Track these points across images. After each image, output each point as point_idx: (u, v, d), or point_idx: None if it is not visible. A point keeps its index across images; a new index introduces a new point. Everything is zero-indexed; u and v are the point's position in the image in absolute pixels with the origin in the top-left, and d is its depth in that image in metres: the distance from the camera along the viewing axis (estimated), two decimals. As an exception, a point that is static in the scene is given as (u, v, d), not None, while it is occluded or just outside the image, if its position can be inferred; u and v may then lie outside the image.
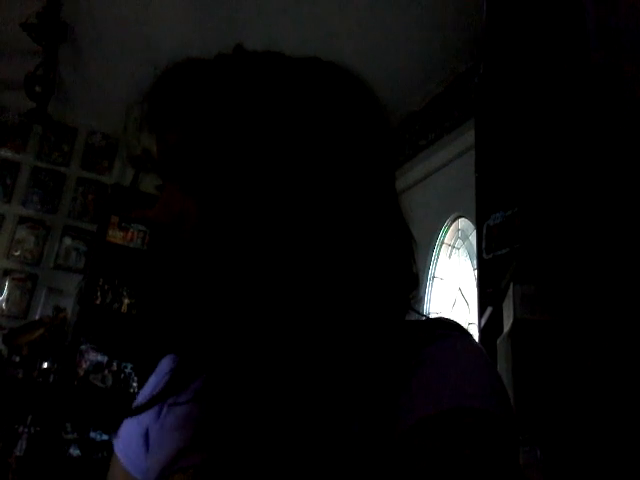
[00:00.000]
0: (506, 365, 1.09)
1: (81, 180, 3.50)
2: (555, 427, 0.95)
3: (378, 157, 0.48)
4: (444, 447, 0.36)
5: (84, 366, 2.82)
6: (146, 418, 0.54)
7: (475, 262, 2.21)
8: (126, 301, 2.93)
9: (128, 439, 0.56)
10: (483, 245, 1.49)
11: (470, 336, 0.45)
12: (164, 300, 0.47)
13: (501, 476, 0.36)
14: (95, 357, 2.86)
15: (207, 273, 0.44)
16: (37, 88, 2.70)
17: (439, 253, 2.63)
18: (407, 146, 2.79)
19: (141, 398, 0.52)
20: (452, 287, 2.54)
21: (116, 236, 2.95)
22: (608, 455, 0.88)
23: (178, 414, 0.50)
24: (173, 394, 0.49)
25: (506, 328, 1.15)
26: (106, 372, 2.85)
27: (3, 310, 3.19)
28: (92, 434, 2.75)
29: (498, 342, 1.22)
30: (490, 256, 1.45)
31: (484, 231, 1.49)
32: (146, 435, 0.55)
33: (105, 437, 2.74)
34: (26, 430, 2.63)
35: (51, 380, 2.80)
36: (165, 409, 0.53)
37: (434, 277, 2.63)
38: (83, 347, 2.84)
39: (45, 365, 2.83)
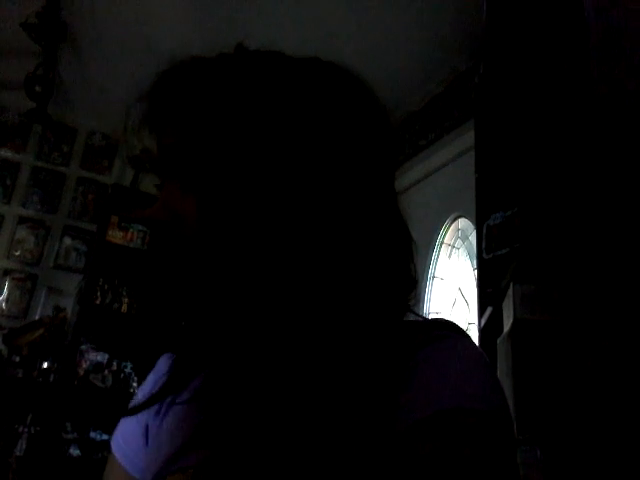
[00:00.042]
0: (506, 365, 1.09)
1: (81, 180, 3.50)
2: (555, 427, 0.95)
3: (378, 157, 0.48)
4: (444, 447, 0.36)
5: (84, 366, 2.83)
6: (145, 417, 0.54)
7: (475, 262, 2.21)
8: (126, 301, 2.93)
9: (127, 438, 0.56)
10: (483, 245, 1.48)
11: (468, 337, 0.45)
12: (164, 298, 0.47)
13: (500, 476, 0.37)
14: (95, 357, 2.87)
15: (206, 271, 0.44)
16: (37, 88, 2.70)
17: (439, 253, 2.63)
18: (407, 146, 2.79)
19: (140, 396, 0.52)
20: (452, 287, 2.53)
21: (116, 236, 2.95)
22: (608, 455, 0.88)
23: (177, 413, 0.50)
24: (172, 393, 0.49)
25: (506, 328, 1.15)
26: (106, 372, 2.85)
27: (3, 310, 3.19)
28: (92, 434, 2.75)
29: (498, 342, 1.22)
30: (490, 256, 1.44)
31: (484, 231, 1.49)
32: (145, 434, 0.54)
33: (105, 437, 2.74)
34: (26, 430, 2.63)
35: (51, 380, 2.80)
36: (164, 408, 0.53)
37: (434, 277, 2.63)
38: (83, 347, 2.85)
39: (45, 365, 2.83)
